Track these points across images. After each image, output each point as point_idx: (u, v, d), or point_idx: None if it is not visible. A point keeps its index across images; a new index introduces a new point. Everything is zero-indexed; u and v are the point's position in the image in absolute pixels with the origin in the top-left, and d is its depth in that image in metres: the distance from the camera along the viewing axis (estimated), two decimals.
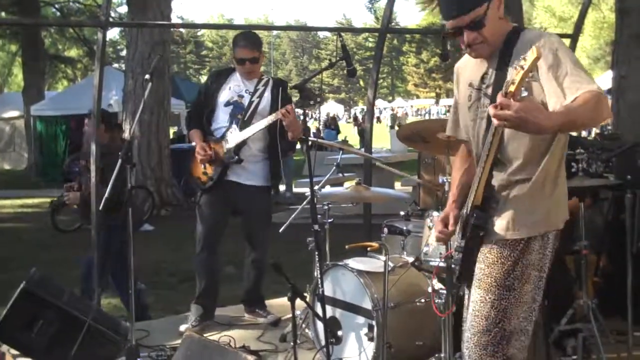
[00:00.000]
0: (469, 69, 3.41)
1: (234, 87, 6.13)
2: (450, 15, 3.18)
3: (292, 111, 5.66)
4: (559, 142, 3.17)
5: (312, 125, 28.89)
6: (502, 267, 3.16)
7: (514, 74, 2.75)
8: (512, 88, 2.74)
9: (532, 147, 3.15)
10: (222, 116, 6.08)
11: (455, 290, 4.15)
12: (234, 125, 5.98)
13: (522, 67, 2.72)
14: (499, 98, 2.77)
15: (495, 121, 2.82)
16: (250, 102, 6.05)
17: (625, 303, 4.88)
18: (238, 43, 6.12)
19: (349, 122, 50.64)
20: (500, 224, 3.19)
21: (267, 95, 6.10)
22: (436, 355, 4.64)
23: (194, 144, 6.10)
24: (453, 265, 3.40)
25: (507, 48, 3.17)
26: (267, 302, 6.54)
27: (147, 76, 5.28)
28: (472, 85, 3.30)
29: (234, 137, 5.93)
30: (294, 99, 5.50)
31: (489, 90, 3.19)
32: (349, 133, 34.42)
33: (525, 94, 2.86)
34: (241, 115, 6.00)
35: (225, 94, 6.11)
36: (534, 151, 3.15)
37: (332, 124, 32.56)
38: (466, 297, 3.46)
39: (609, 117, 3.01)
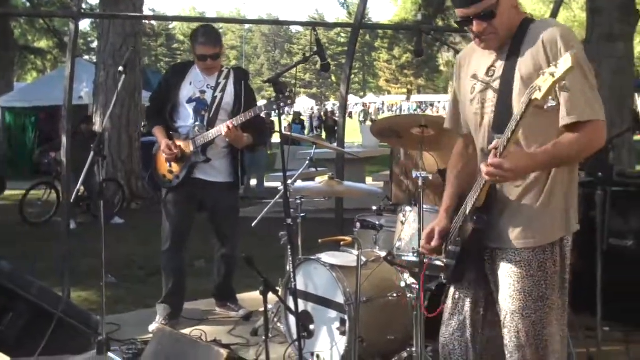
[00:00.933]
0: (473, 60, 3.30)
1: (195, 83, 6.03)
2: (461, 3, 3.09)
3: (233, 129, 5.63)
4: None
5: (285, 120, 28.88)
6: (532, 279, 3.09)
7: (541, 80, 2.64)
8: (537, 95, 2.65)
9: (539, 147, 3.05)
10: (185, 113, 5.99)
11: (430, 285, 4.17)
12: (199, 123, 5.91)
13: (552, 75, 2.60)
14: (491, 159, 2.83)
15: (486, 177, 2.89)
16: (214, 98, 5.97)
17: (595, 299, 4.92)
18: (198, 39, 5.97)
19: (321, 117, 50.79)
20: (519, 232, 3.11)
21: (230, 89, 6.02)
22: (408, 349, 4.66)
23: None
24: (445, 269, 3.33)
25: (518, 40, 3.08)
26: (239, 296, 6.53)
27: (120, 68, 5.24)
28: (477, 77, 3.22)
29: (201, 137, 5.85)
30: (267, 95, 5.48)
31: (497, 84, 3.12)
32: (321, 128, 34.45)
33: (552, 103, 2.81)
34: (205, 111, 5.94)
35: (186, 90, 6.01)
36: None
37: (296, 119, 32.44)
38: (450, 300, 3.41)
39: (600, 146, 3.00)
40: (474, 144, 3.33)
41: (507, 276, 3.13)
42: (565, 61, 2.56)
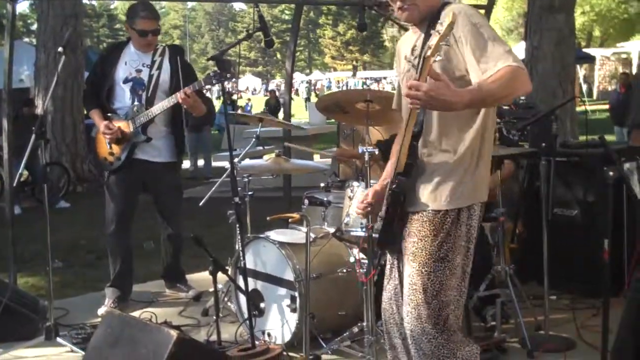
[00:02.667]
0: (406, 43, 3.45)
1: (130, 62, 5.93)
2: None
3: (192, 94, 5.53)
4: (484, 117, 3.22)
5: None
6: (434, 239, 3.19)
7: (432, 40, 2.86)
8: (429, 52, 2.85)
9: (447, 120, 3.19)
10: (122, 94, 5.90)
11: (377, 259, 4.20)
12: (137, 103, 5.83)
13: (438, 32, 2.83)
14: (410, 81, 2.91)
15: (407, 101, 2.97)
16: (150, 76, 5.88)
17: (541, 268, 4.99)
18: (139, 14, 5.85)
19: (265, 95, 50.47)
20: (428, 194, 3.23)
21: (166, 65, 5.93)
22: (359, 324, 4.69)
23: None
24: (374, 234, 3.43)
25: (434, 19, 3.16)
26: (188, 276, 6.51)
27: (60, 49, 5.16)
28: (407, 58, 3.36)
29: (141, 116, 5.77)
30: (211, 72, 5.41)
31: (416, 61, 3.22)
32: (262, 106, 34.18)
33: (439, 58, 2.92)
34: (142, 90, 5.86)
35: (122, 70, 5.91)
36: (451, 124, 3.20)
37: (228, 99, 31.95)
38: (387, 266, 3.50)
39: (526, 91, 3.10)
40: None
41: (413, 235, 3.25)
42: (447, 18, 2.82)
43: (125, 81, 5.88)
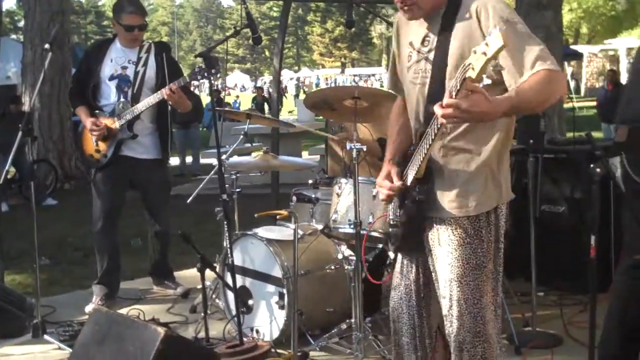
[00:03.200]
0: (410, 27, 3.25)
1: (115, 59, 5.91)
2: None
3: (177, 90, 5.53)
4: (506, 118, 3.05)
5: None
6: (468, 247, 3.10)
7: (474, 59, 2.56)
8: (471, 73, 2.57)
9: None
10: (108, 91, 5.88)
11: (371, 259, 4.18)
12: (123, 99, 5.81)
13: (484, 54, 2.52)
14: (446, 98, 2.67)
15: (442, 120, 2.74)
16: (136, 73, 5.87)
17: (529, 265, 5.00)
18: (125, 9, 5.84)
19: (254, 93, 50.37)
20: (453, 199, 3.12)
21: (152, 62, 5.92)
22: (347, 321, 4.70)
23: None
24: (392, 239, 3.34)
25: (451, 12, 3.04)
26: (176, 273, 6.50)
27: (46, 46, 5.16)
28: (413, 46, 3.19)
29: (127, 113, 5.76)
30: (198, 67, 5.40)
31: (431, 55, 3.10)
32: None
33: (488, 82, 2.74)
34: (128, 87, 5.84)
35: (108, 67, 5.89)
36: (475, 124, 3.01)
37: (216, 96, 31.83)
38: (398, 266, 3.41)
39: (562, 95, 2.93)
40: None
41: (446, 244, 3.14)
42: (496, 39, 2.49)
43: (111, 78, 5.87)
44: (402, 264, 3.40)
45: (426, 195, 3.12)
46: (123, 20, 5.83)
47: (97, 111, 5.86)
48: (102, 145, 5.85)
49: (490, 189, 3.12)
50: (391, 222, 3.35)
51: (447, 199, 3.12)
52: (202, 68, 4.99)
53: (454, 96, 2.67)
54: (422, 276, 3.32)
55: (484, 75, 2.62)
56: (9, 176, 11.52)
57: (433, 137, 2.95)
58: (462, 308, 3.12)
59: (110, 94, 5.87)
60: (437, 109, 2.70)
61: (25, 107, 13.04)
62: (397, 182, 3.25)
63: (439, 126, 2.88)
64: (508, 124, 3.13)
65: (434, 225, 3.18)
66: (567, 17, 39.15)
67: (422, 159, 3.05)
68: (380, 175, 3.41)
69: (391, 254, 4.69)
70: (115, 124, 5.78)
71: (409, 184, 3.19)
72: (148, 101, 5.68)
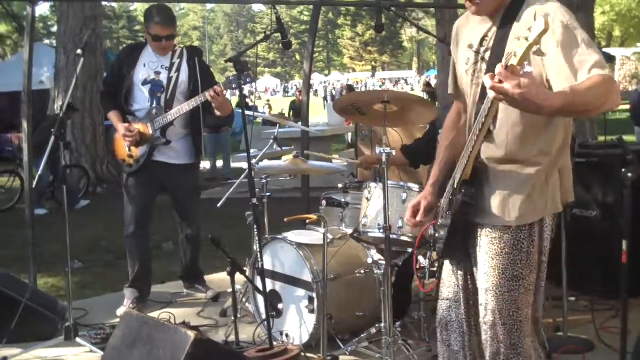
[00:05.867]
0: (470, 28, 3.17)
1: (149, 64, 5.91)
2: None
3: (222, 93, 5.50)
4: (563, 123, 3.00)
5: (250, 100, 28.59)
6: (507, 257, 3.02)
7: (517, 46, 2.49)
8: (513, 61, 2.48)
9: (528, 123, 2.94)
10: (141, 96, 5.88)
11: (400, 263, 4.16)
12: (157, 105, 5.82)
13: (526, 39, 2.44)
14: (499, 69, 2.50)
15: (491, 93, 2.55)
16: (169, 79, 5.87)
17: (560, 270, 4.97)
18: (153, 19, 5.81)
19: (285, 97, 50.42)
20: (496, 206, 3.04)
21: (184, 67, 5.92)
22: (376, 325, 4.69)
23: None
24: (437, 243, 3.26)
25: (513, 10, 2.94)
26: (207, 277, 6.53)
27: (79, 51, 5.18)
28: (472, 48, 3.09)
29: (160, 119, 5.75)
30: (230, 74, 5.41)
31: (487, 55, 3.01)
32: (285, 107, 34.15)
33: (529, 69, 2.64)
34: (161, 93, 5.84)
35: (141, 72, 5.88)
36: (530, 128, 2.94)
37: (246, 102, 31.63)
38: (445, 273, 3.36)
39: (617, 105, 2.77)
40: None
41: (484, 252, 3.08)
42: (538, 24, 2.41)
43: (144, 83, 5.87)
44: (449, 271, 3.34)
45: (472, 198, 3.04)
46: (151, 29, 5.83)
47: (129, 116, 5.88)
48: (135, 151, 5.87)
49: (536, 200, 3.02)
50: (437, 226, 3.29)
51: (490, 207, 3.05)
52: (235, 76, 4.99)
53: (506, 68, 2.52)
54: (471, 283, 3.26)
55: (526, 62, 2.54)
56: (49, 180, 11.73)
57: (478, 132, 2.89)
58: (495, 318, 3.07)
59: (143, 99, 5.87)
60: (487, 80, 2.53)
61: (61, 112, 13.13)
62: (419, 219, 3.32)
63: (483, 119, 2.81)
64: (565, 136, 3.03)
65: (478, 230, 3.13)
66: (599, 19, 38.81)
67: (468, 158, 2.99)
68: (421, 194, 3.38)
69: (422, 259, 4.69)
70: (148, 129, 5.80)
71: (455, 185, 3.12)
72: (185, 106, 5.67)
